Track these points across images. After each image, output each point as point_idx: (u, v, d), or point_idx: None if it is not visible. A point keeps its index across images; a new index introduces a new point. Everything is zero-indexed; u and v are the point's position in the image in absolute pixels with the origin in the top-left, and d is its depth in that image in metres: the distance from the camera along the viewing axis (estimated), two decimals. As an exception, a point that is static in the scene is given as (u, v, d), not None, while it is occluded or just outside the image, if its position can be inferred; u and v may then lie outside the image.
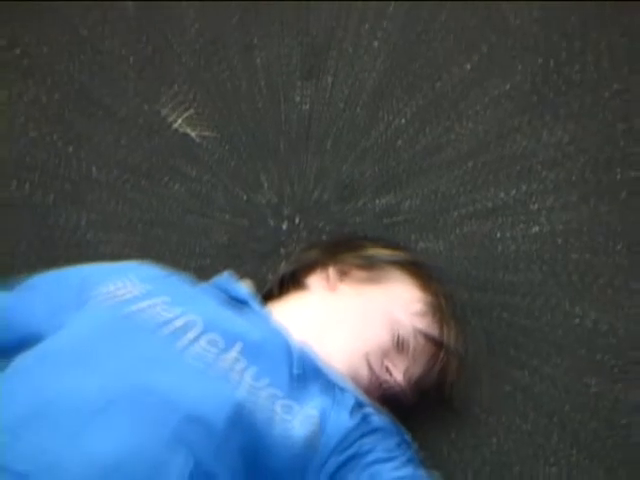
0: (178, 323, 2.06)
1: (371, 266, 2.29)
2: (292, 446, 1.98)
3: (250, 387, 2.01)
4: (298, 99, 2.84)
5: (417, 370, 2.24)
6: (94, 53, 2.88)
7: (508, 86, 2.68)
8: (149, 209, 2.61)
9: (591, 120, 2.68)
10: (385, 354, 2.18)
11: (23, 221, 2.69)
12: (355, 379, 2.14)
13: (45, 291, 2.24)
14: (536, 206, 2.57)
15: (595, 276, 2.49)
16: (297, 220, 2.60)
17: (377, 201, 2.58)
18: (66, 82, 2.92)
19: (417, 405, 2.36)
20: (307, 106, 2.80)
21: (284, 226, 2.57)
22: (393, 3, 2.77)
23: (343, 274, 2.24)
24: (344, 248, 2.34)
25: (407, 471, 2.12)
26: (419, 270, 2.28)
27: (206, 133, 2.73)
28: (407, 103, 2.67)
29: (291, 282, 2.32)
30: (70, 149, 2.73)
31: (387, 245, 2.36)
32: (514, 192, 2.60)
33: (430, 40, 2.73)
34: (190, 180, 2.68)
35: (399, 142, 2.59)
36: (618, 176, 2.61)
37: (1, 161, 2.77)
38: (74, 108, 2.84)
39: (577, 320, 2.45)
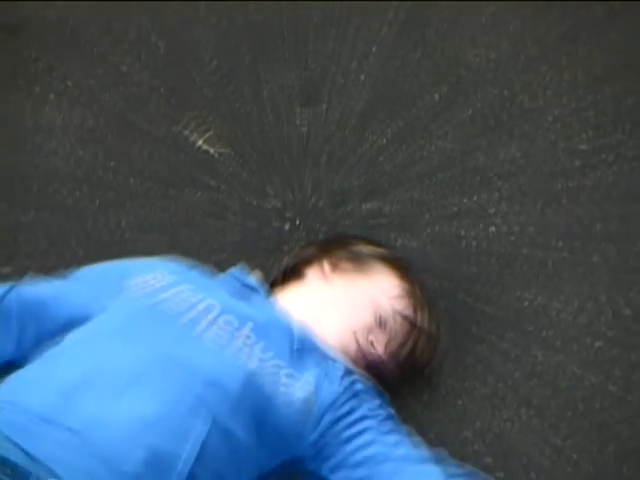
0: (200, 307, 2.24)
1: (357, 260, 2.43)
2: (292, 406, 2.17)
3: (259, 359, 2.18)
4: (298, 122, 3.03)
5: (395, 344, 2.40)
6: (131, 85, 3.08)
7: (471, 111, 2.91)
8: (176, 213, 2.80)
9: (538, 140, 2.91)
10: (369, 331, 2.34)
11: (74, 223, 2.87)
12: (345, 352, 2.30)
13: (91, 280, 2.40)
14: (493, 210, 2.78)
15: (541, 267, 2.69)
16: (297, 222, 2.75)
17: (363, 206, 2.74)
18: (108, 108, 3.11)
19: (398, 378, 2.49)
20: (305, 128, 2.97)
21: (286, 227, 2.74)
22: (376, 45, 2.94)
23: (335, 266, 2.38)
24: (336, 245, 2.49)
25: (388, 425, 2.26)
26: (397, 263, 2.42)
27: (222, 150, 2.88)
28: (388, 125, 2.88)
29: (292, 273, 2.44)
30: (111, 163, 2.91)
31: (371, 242, 2.50)
32: (475, 199, 2.82)
33: (407, 75, 2.91)
34: (209, 189, 2.84)
35: (381, 158, 2.81)
36: (559, 186, 2.81)
37: (55, 173, 2.94)
38: (114, 130, 3.03)
39: (526, 303, 2.64)
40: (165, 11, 3.35)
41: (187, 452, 2.10)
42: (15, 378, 2.17)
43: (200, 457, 2.11)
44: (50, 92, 3.16)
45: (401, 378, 2.43)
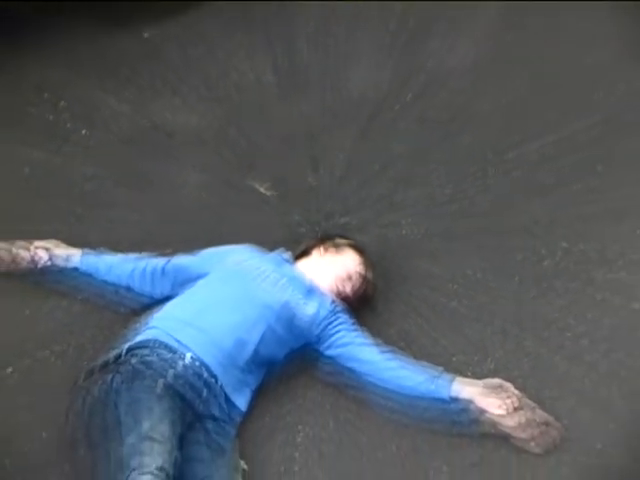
0: (261, 269, 2.98)
1: (337, 246, 3.14)
2: (306, 317, 2.93)
3: (289, 294, 2.95)
4: (315, 183, 3.44)
5: (356, 288, 3.08)
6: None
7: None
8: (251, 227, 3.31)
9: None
10: (343, 281, 3.06)
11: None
12: (331, 292, 3.03)
13: (208, 256, 3.07)
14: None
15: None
16: (305, 230, 3.34)
17: (342, 220, 3.36)
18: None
19: (358, 306, 3.07)
20: (317, 183, 3.44)
21: (303, 230, 3.34)
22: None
23: (325, 250, 3.13)
24: (326, 239, 3.19)
25: (353, 327, 2.94)
26: (356, 248, 3.14)
27: (270, 192, 3.42)
28: (371, 191, 3.36)
29: (304, 253, 3.13)
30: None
31: (343, 237, 3.21)
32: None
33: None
34: (267, 214, 3.35)
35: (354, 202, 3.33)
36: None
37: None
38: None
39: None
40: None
41: (254, 339, 2.84)
42: (171, 304, 2.94)
43: (260, 342, 2.84)
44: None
45: (358, 305, 3.09)
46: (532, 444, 2.75)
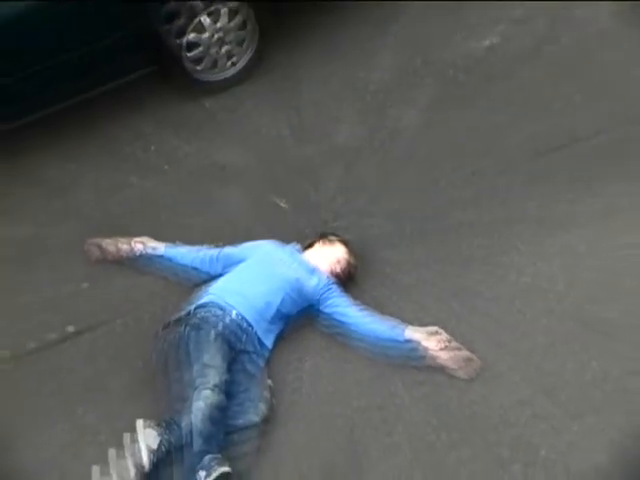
0: (281, 256, 2.97)
1: (331, 241, 3.10)
2: (310, 287, 2.91)
3: (300, 273, 2.93)
4: (316, 200, 3.30)
5: (343, 268, 3.03)
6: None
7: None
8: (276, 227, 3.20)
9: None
10: (335, 264, 3.01)
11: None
12: (327, 272, 2.99)
13: (247, 248, 3.04)
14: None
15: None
16: (309, 231, 3.20)
17: (334, 224, 3.21)
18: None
19: (344, 281, 2.97)
20: (317, 200, 3.30)
21: (307, 231, 3.20)
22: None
23: (323, 244, 3.09)
24: (324, 236, 3.12)
25: (343, 296, 2.91)
26: (344, 241, 3.10)
27: (286, 206, 3.30)
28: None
29: (309, 246, 3.09)
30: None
31: (336, 235, 3.13)
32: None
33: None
34: (284, 220, 3.25)
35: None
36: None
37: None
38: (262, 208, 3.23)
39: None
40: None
41: (276, 302, 2.86)
42: (221, 279, 2.96)
43: (280, 303, 2.87)
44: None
45: (344, 280, 3.03)
46: (460, 372, 2.78)
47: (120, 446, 2.49)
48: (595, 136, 3.18)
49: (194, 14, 3.21)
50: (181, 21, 3.21)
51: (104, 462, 2.47)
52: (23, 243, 3.15)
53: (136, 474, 2.46)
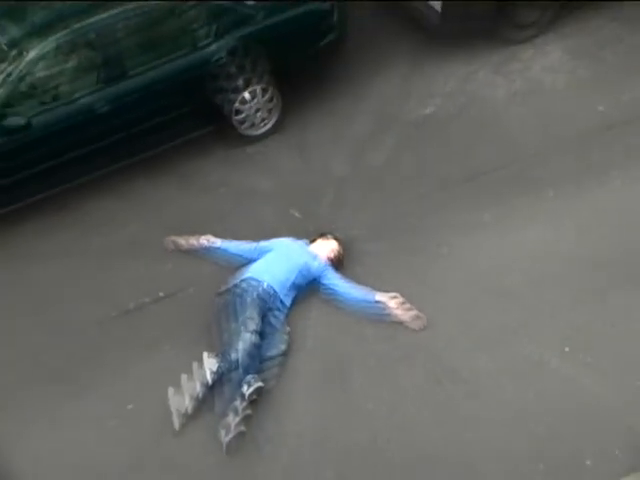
0: (294, 247, 3.00)
1: (328, 238, 3.12)
2: (314, 269, 2.96)
3: (307, 259, 2.97)
4: (318, 213, 3.25)
5: (335, 257, 3.02)
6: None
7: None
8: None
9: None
10: (330, 253, 3.04)
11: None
12: (325, 259, 3.01)
13: (274, 243, 3.06)
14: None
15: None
16: (313, 231, 3.16)
17: (330, 227, 3.15)
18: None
19: (336, 266, 2.97)
20: (319, 213, 3.25)
21: (312, 231, 3.17)
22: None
23: (322, 239, 3.10)
24: (323, 235, 3.12)
25: (337, 275, 2.95)
26: (337, 239, 3.11)
27: (299, 215, 3.28)
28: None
29: (313, 241, 3.10)
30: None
31: (331, 234, 3.12)
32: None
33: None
34: (297, 225, 3.23)
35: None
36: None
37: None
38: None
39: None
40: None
41: (292, 277, 2.94)
42: (257, 263, 3.00)
43: (295, 279, 2.94)
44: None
45: (336, 265, 3.04)
46: (411, 324, 2.86)
47: (190, 373, 2.61)
48: (494, 171, 3.30)
49: (239, 91, 3.43)
50: (230, 96, 3.41)
51: (178, 385, 2.60)
52: (130, 242, 3.24)
53: (200, 390, 2.58)
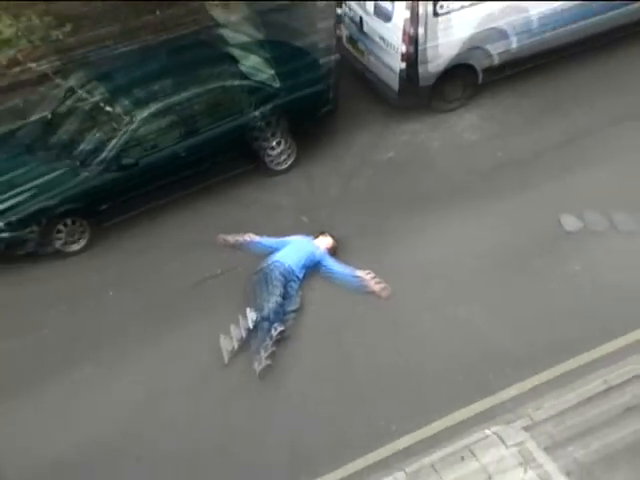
0: (305, 242, 3.14)
1: (326, 235, 3.36)
2: (317, 255, 3.07)
3: (312, 249, 3.23)
4: (319, 219, 3.45)
5: (331, 247, 3.13)
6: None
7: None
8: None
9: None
10: (327, 245, 3.10)
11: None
12: (324, 249, 3.08)
13: (290, 238, 3.31)
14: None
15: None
16: (316, 230, 3.33)
17: (328, 229, 3.30)
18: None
19: (333, 254, 3.20)
20: (320, 220, 3.46)
21: (315, 230, 3.35)
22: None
23: (323, 236, 3.34)
24: (323, 233, 3.33)
25: (334, 259, 3.20)
26: (332, 236, 3.37)
27: (307, 220, 3.39)
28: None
29: (316, 238, 3.32)
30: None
31: (328, 232, 3.36)
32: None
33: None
34: (306, 227, 3.43)
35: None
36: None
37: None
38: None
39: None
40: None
41: (302, 261, 3.18)
42: (280, 252, 3.24)
43: (304, 262, 3.22)
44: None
45: (333, 254, 3.28)
46: (381, 293, 3.11)
47: (237, 323, 2.91)
48: (431, 193, 3.57)
49: (269, 141, 3.80)
50: (263, 144, 3.79)
51: (227, 332, 2.90)
52: (198, 240, 3.46)
53: (244, 334, 2.88)
